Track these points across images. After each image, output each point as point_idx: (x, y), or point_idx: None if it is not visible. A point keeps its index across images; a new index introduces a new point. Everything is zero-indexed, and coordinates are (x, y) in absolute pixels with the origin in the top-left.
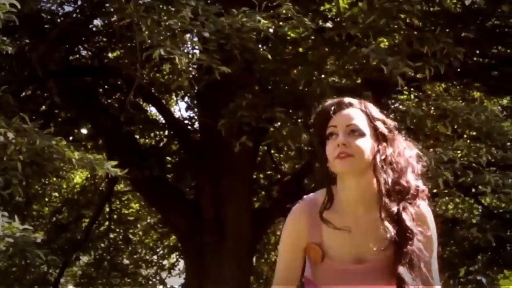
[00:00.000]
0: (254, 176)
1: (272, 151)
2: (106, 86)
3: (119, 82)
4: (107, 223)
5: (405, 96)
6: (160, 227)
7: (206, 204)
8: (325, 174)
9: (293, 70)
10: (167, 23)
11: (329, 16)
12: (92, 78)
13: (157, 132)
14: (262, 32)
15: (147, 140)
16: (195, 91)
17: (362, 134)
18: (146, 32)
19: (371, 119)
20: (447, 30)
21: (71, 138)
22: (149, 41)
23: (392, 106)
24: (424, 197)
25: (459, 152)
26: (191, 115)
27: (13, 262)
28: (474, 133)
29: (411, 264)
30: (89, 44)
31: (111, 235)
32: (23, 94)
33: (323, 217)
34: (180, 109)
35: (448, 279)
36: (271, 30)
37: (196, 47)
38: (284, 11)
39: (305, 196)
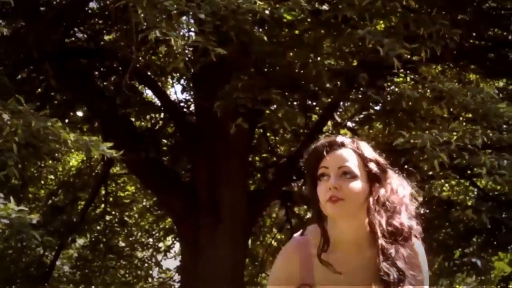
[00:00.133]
0: (250, 159)
1: (268, 134)
2: (102, 69)
3: (115, 65)
4: (103, 205)
5: (401, 79)
6: (155, 210)
7: (201, 187)
8: (317, 213)
9: (289, 52)
10: (162, 5)
11: None
12: (87, 61)
13: (153, 115)
14: (258, 14)
15: (143, 123)
16: (191, 73)
17: (354, 177)
18: (142, 14)
19: (363, 160)
20: (444, 12)
21: (66, 120)
22: (145, 23)
23: (388, 89)
24: (417, 236)
25: (454, 134)
26: (187, 97)
27: (9, 244)
28: (470, 115)
29: None
30: (85, 27)
31: (107, 218)
32: (19, 76)
33: (322, 260)
34: (176, 91)
35: (443, 261)
36: (267, 12)
37: (192, 29)
38: None
39: (295, 235)
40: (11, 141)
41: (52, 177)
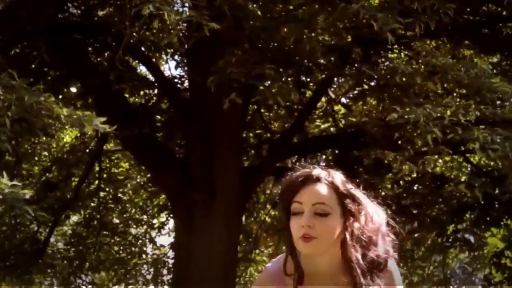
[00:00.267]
0: (244, 135)
1: (262, 110)
2: (95, 44)
3: (108, 40)
4: (96, 182)
5: (395, 55)
6: (149, 186)
7: (195, 163)
8: (290, 246)
9: (283, 28)
10: None
11: None
12: (81, 36)
13: (147, 91)
14: None
15: (136, 99)
16: (185, 48)
17: (328, 214)
18: None
19: (338, 195)
20: None
21: (60, 96)
22: None
23: (382, 65)
24: (393, 258)
25: (448, 109)
26: (181, 73)
27: (3, 221)
28: (464, 91)
29: None
30: (79, 1)
31: (101, 194)
32: (12, 52)
33: None
34: (169, 67)
35: (436, 237)
36: None
37: (186, 3)
38: None
39: (267, 266)
40: (4, 116)
41: (46, 153)
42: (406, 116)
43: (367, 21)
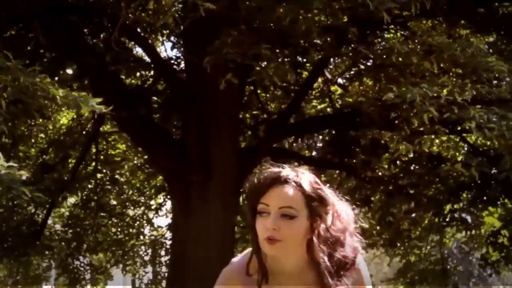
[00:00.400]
0: (240, 116)
1: (258, 91)
2: (91, 26)
3: (104, 22)
4: (93, 163)
5: (391, 35)
6: (146, 168)
7: (192, 144)
8: (255, 245)
9: (279, 8)
10: None
11: None
12: (77, 18)
13: (143, 72)
14: None
15: (133, 81)
16: (180, 30)
17: (294, 217)
18: None
19: (306, 198)
20: None
21: (56, 78)
22: None
23: (378, 45)
24: (361, 255)
25: (444, 88)
26: (177, 54)
27: (0, 203)
28: (460, 71)
29: None
30: None
31: (98, 176)
32: (7, 34)
33: None
34: (166, 49)
35: (432, 216)
36: None
37: None
38: None
39: (233, 261)
40: (0, 97)
41: (42, 135)
42: (402, 96)
43: (363, 1)
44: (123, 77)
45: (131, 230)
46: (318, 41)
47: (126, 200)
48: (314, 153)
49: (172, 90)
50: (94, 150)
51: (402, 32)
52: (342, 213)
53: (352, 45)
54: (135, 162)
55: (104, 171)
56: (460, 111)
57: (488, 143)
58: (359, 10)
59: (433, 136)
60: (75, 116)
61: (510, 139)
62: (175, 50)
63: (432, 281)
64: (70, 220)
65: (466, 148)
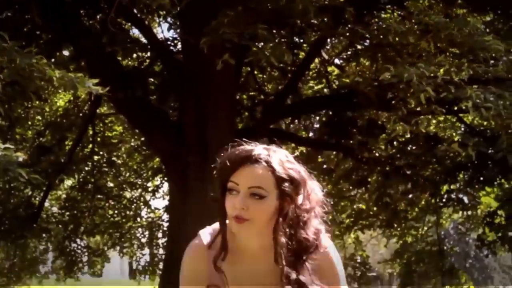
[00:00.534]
0: (237, 97)
1: (255, 72)
2: (87, 7)
3: (100, 3)
4: (90, 145)
5: (388, 15)
6: (143, 149)
7: (189, 125)
8: (221, 221)
9: None
10: None
11: None
12: None
13: (140, 54)
14: None
15: (129, 62)
16: (177, 10)
17: (263, 197)
18: None
19: (276, 178)
20: None
21: (53, 60)
22: None
23: (375, 25)
24: (327, 237)
25: (441, 68)
26: (174, 35)
27: None
28: (457, 51)
29: None
30: None
31: (95, 158)
32: (3, 15)
33: (217, 268)
34: (162, 30)
35: (429, 197)
36: None
37: None
38: None
39: (200, 233)
40: None
41: (39, 117)
42: (399, 75)
43: None
44: (120, 58)
45: (128, 212)
46: (315, 21)
47: (123, 182)
48: (311, 134)
49: (169, 71)
50: (91, 132)
51: (399, 12)
52: (312, 193)
53: (349, 25)
54: (132, 144)
55: (101, 153)
56: (457, 91)
57: (485, 123)
58: None
59: (430, 116)
60: (71, 98)
61: (507, 118)
62: (171, 31)
63: (429, 261)
64: (67, 202)
65: (463, 129)
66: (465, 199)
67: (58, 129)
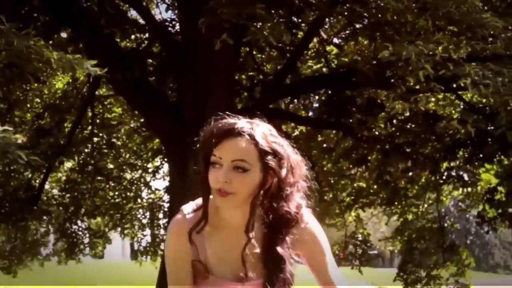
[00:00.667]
0: (236, 77)
1: (254, 52)
2: None
3: None
4: (89, 127)
5: None
6: (143, 131)
7: (188, 106)
8: (204, 193)
9: None
10: None
11: None
12: None
13: (138, 35)
14: None
15: (128, 44)
16: None
17: (246, 170)
18: None
19: (259, 152)
20: None
21: (51, 42)
22: None
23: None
24: (308, 211)
25: (439, 46)
26: (172, 16)
27: None
28: (455, 29)
29: None
30: None
31: (94, 140)
32: None
33: (191, 240)
34: (160, 11)
35: (429, 175)
36: None
37: None
38: None
39: (183, 208)
40: None
41: (38, 100)
42: (397, 53)
43: None
44: (118, 40)
45: (128, 193)
46: (313, 1)
47: (123, 164)
48: (310, 113)
49: (167, 52)
50: (90, 114)
51: None
52: (295, 167)
53: (347, 4)
54: (132, 125)
55: (101, 134)
56: (456, 68)
57: (484, 100)
58: None
59: (428, 94)
60: (70, 80)
61: (505, 95)
62: (169, 12)
63: (430, 239)
64: (67, 184)
65: (462, 106)
66: (465, 176)
67: (57, 111)
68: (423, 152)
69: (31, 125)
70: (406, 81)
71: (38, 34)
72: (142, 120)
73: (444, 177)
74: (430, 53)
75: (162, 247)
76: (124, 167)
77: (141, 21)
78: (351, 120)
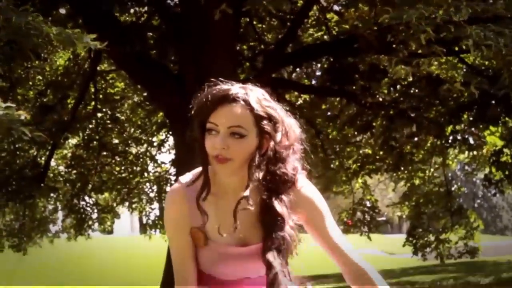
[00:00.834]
0: (238, 48)
1: (254, 22)
2: None
3: None
4: (93, 103)
5: None
6: (147, 104)
7: (190, 78)
8: (203, 160)
9: None
10: None
11: None
12: None
13: (137, 9)
14: None
15: (127, 18)
16: None
17: (243, 136)
18: None
19: (255, 117)
20: None
21: (50, 19)
22: None
23: None
24: (303, 175)
25: (440, 9)
26: None
27: (1, 147)
28: None
29: (279, 248)
30: None
31: (98, 115)
32: None
33: (200, 208)
34: None
35: (434, 139)
36: None
37: None
38: None
39: (180, 178)
40: None
41: (39, 77)
42: (398, 17)
43: None
44: (117, 14)
45: (135, 167)
46: None
47: (128, 138)
48: (313, 81)
49: (167, 24)
50: (92, 90)
51: None
52: (290, 130)
53: None
54: (135, 99)
55: (104, 110)
56: (457, 30)
57: (486, 63)
58: None
59: (431, 58)
60: (71, 56)
61: (507, 55)
62: None
63: (437, 203)
64: (73, 161)
65: (464, 69)
66: (470, 139)
67: (60, 88)
68: (427, 116)
69: (34, 103)
70: (408, 45)
71: (36, 11)
72: (145, 94)
73: (449, 141)
74: (431, 16)
75: None
76: (129, 141)
77: None
78: (354, 87)
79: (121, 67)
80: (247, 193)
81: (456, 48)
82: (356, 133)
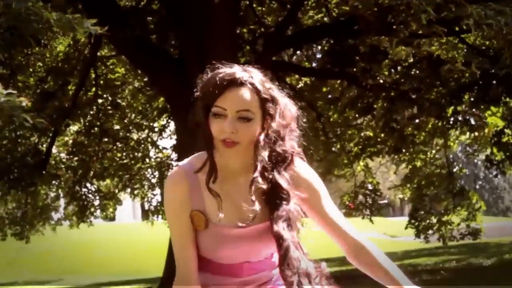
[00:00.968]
0: (238, 31)
1: (254, 5)
2: None
3: None
4: (94, 89)
5: None
6: (147, 90)
7: (191, 62)
8: (207, 143)
9: None
10: None
11: None
12: None
13: None
14: None
15: (127, 2)
16: None
17: (250, 119)
18: None
19: (260, 99)
20: None
21: (49, 4)
22: None
23: None
24: (300, 156)
25: None
26: None
27: (3, 135)
28: None
29: (288, 221)
30: None
31: (99, 101)
32: None
33: (211, 190)
34: None
35: (436, 120)
36: None
37: None
38: None
39: (179, 163)
40: None
41: (40, 64)
42: None
43: None
44: None
45: (136, 153)
46: None
47: (129, 124)
48: (314, 64)
49: (167, 8)
50: (93, 76)
51: None
52: (285, 109)
53: None
54: (136, 85)
55: (105, 96)
56: (457, 9)
57: (487, 43)
58: None
59: (432, 38)
60: (71, 42)
61: (508, 34)
62: None
63: (439, 184)
64: (74, 147)
65: (465, 50)
66: (472, 120)
67: (60, 74)
68: (428, 97)
69: (34, 90)
70: (409, 25)
71: None
72: (145, 79)
73: (450, 122)
74: None
75: None
76: (131, 127)
77: None
78: (355, 69)
79: (122, 52)
80: (257, 173)
81: (457, 28)
82: (357, 115)
